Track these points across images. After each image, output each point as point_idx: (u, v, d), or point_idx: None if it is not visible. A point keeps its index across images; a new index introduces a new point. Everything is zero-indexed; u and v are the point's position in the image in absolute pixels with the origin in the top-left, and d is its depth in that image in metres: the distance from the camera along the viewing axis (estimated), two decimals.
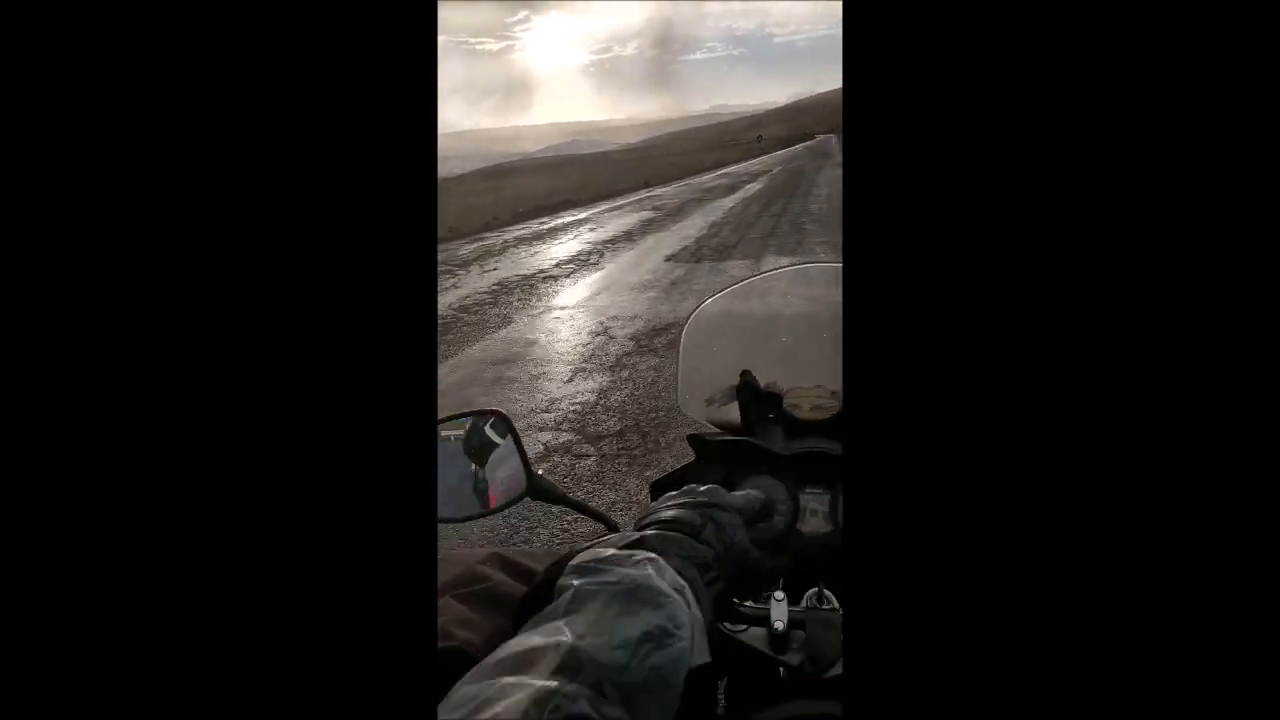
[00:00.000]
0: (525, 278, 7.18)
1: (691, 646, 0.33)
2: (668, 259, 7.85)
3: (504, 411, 0.67)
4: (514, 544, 2.30)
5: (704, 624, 0.36)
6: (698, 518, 0.43)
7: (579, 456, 2.87)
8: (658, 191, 19.38)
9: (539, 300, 6.11)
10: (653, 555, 0.37)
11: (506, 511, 1.03)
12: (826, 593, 0.58)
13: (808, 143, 55.05)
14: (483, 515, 0.64)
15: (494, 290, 6.64)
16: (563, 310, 5.71)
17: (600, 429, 3.17)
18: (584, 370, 4.05)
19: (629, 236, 10.07)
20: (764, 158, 37.71)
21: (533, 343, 4.77)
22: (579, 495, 0.91)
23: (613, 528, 0.65)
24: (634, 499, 2.51)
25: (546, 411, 3.46)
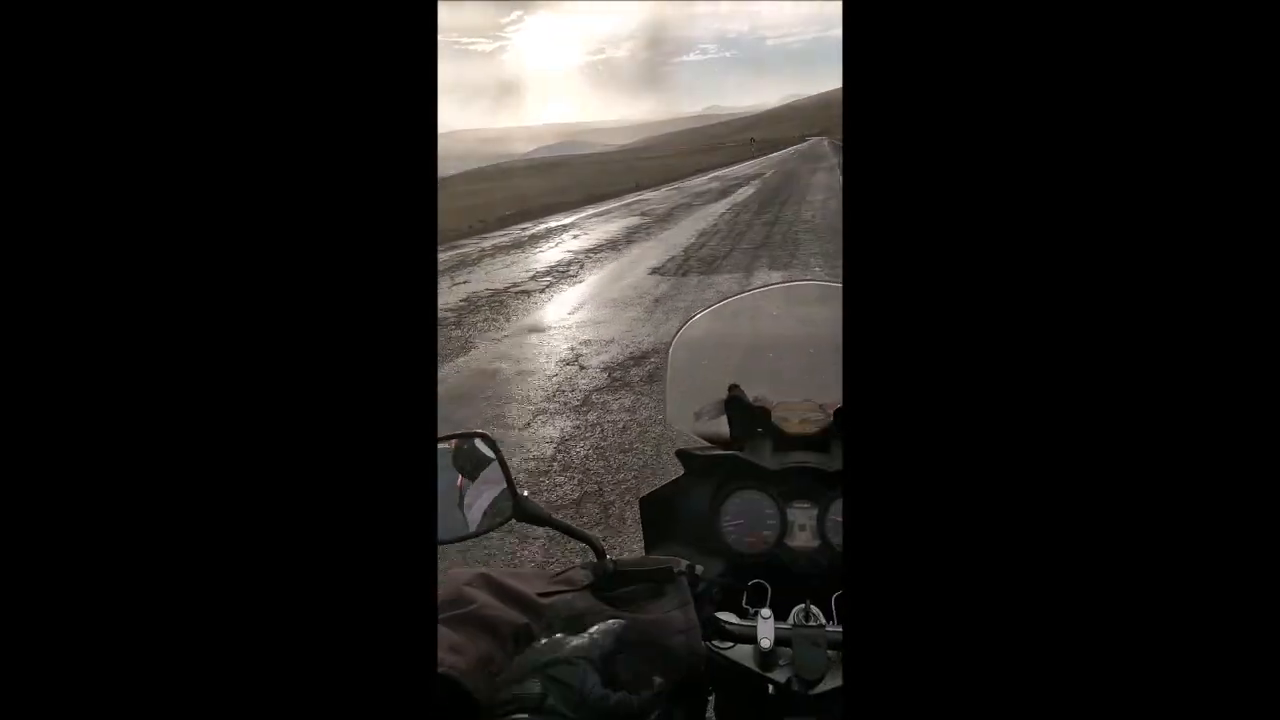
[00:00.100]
0: (496, 293, 6.61)
1: None
2: (652, 271, 7.30)
3: (488, 434, 0.65)
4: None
5: None
6: (536, 686, 0.42)
7: (524, 539, 2.31)
8: (647, 195, 18.86)
9: (507, 320, 5.54)
10: None
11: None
12: (813, 609, 0.59)
13: (799, 146, 54.93)
14: (468, 538, 0.62)
15: (459, 308, 6.07)
16: (531, 333, 5.15)
17: (554, 496, 2.61)
18: (545, 412, 3.49)
19: (613, 245, 9.51)
20: (756, 161, 37.39)
21: (492, 374, 4.21)
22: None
23: (599, 550, 0.62)
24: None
25: None
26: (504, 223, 13.64)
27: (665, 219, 12.50)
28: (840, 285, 0.43)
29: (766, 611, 0.56)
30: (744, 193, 17.07)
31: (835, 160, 27.19)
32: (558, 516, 0.66)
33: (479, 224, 13.32)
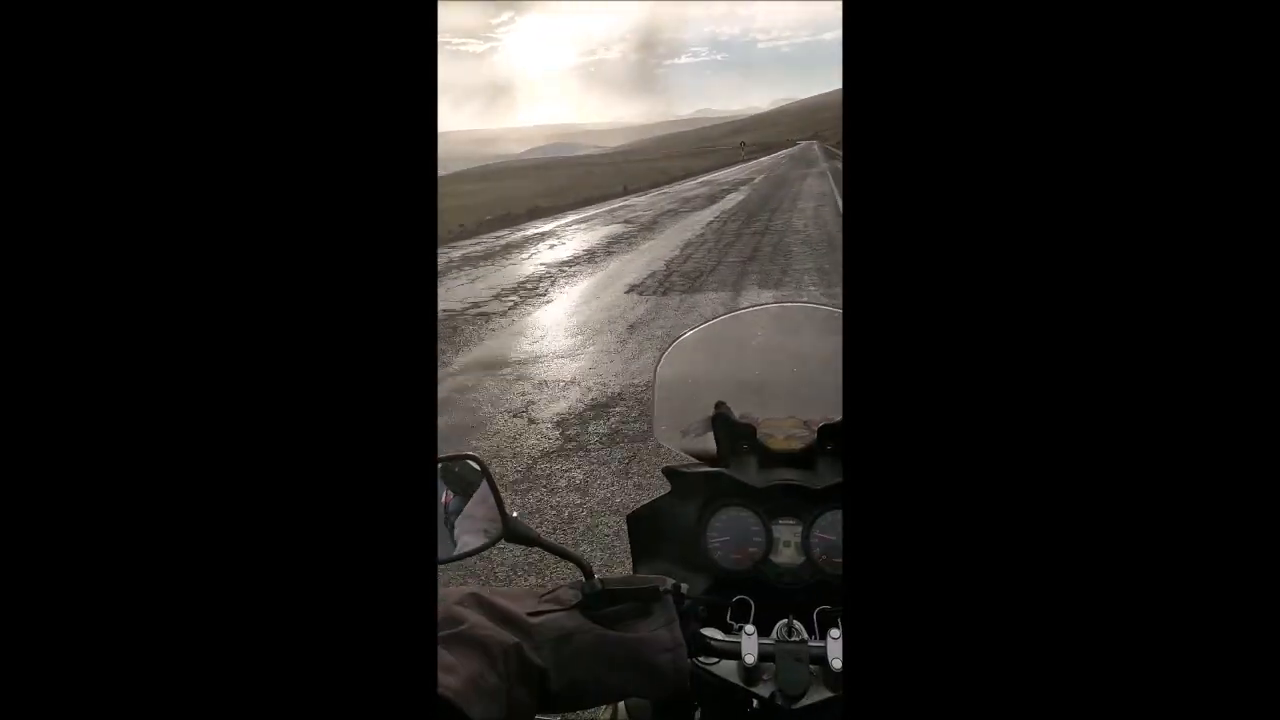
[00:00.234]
0: (451, 315, 5.87)
1: None
2: (630, 289, 6.59)
3: (478, 455, 0.64)
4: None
5: None
6: None
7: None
8: (633, 201, 18.16)
9: (456, 352, 4.81)
10: None
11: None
12: (796, 625, 0.60)
13: (790, 150, 54.63)
14: (459, 559, 0.62)
15: None
16: (481, 370, 4.41)
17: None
18: None
19: (591, 257, 8.80)
20: (747, 165, 36.89)
21: None
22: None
23: (587, 570, 0.60)
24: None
25: None
26: (485, 227, 12.90)
27: (649, 227, 11.80)
28: (837, 309, 0.48)
29: (750, 628, 0.58)
30: (733, 199, 16.41)
31: (826, 165, 26.66)
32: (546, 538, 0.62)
33: (458, 228, 12.59)
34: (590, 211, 15.76)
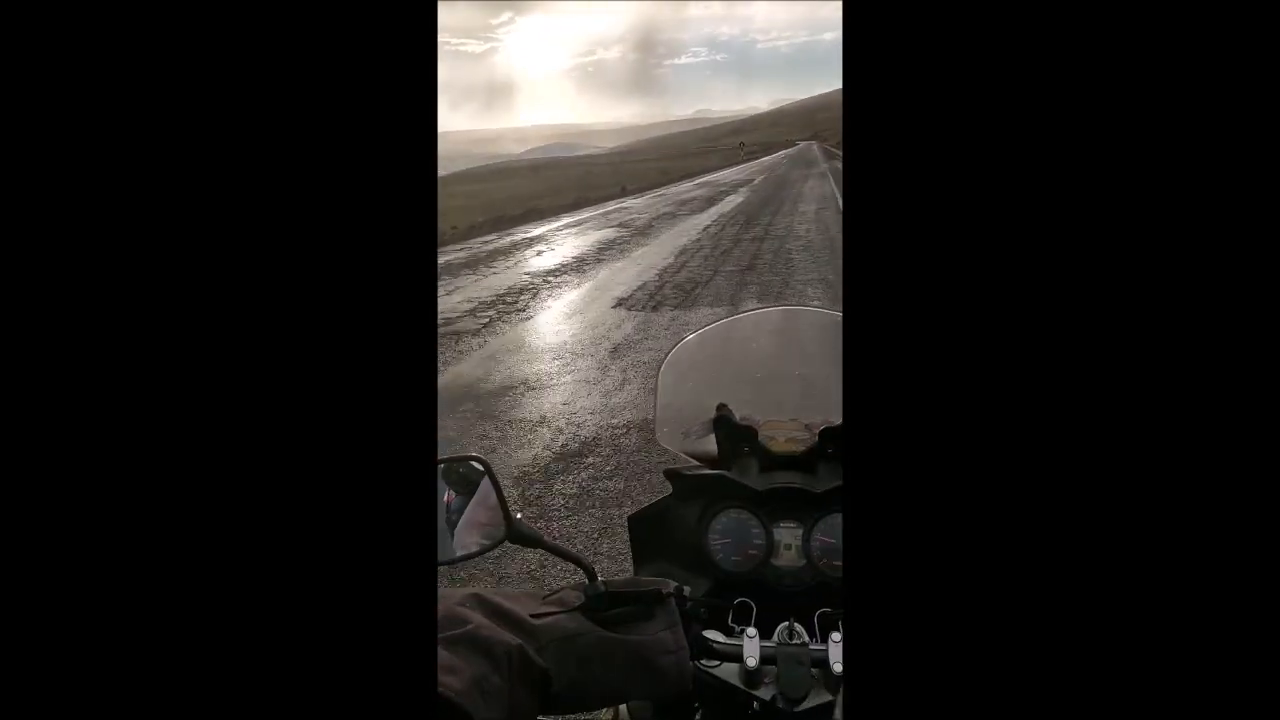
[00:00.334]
0: None
1: None
2: (618, 303, 6.05)
3: (482, 456, 0.63)
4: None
5: None
6: None
7: None
8: (629, 203, 17.63)
9: None
10: None
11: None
12: (798, 627, 0.59)
13: (789, 150, 54.26)
14: (463, 560, 0.61)
15: None
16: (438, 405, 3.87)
17: None
18: None
19: (579, 266, 8.26)
20: (746, 165, 36.43)
21: None
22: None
23: (589, 572, 0.60)
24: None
25: None
26: (476, 231, 12.36)
27: (644, 232, 11.26)
28: (839, 314, 0.47)
29: (752, 630, 0.57)
30: (732, 201, 15.88)
31: (826, 166, 26.17)
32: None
33: (450, 230, 12.06)
34: (584, 214, 15.21)
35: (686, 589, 0.57)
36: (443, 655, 0.44)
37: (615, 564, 2.13)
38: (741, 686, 0.55)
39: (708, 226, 11.29)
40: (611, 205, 17.14)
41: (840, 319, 0.65)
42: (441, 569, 0.58)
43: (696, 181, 25.17)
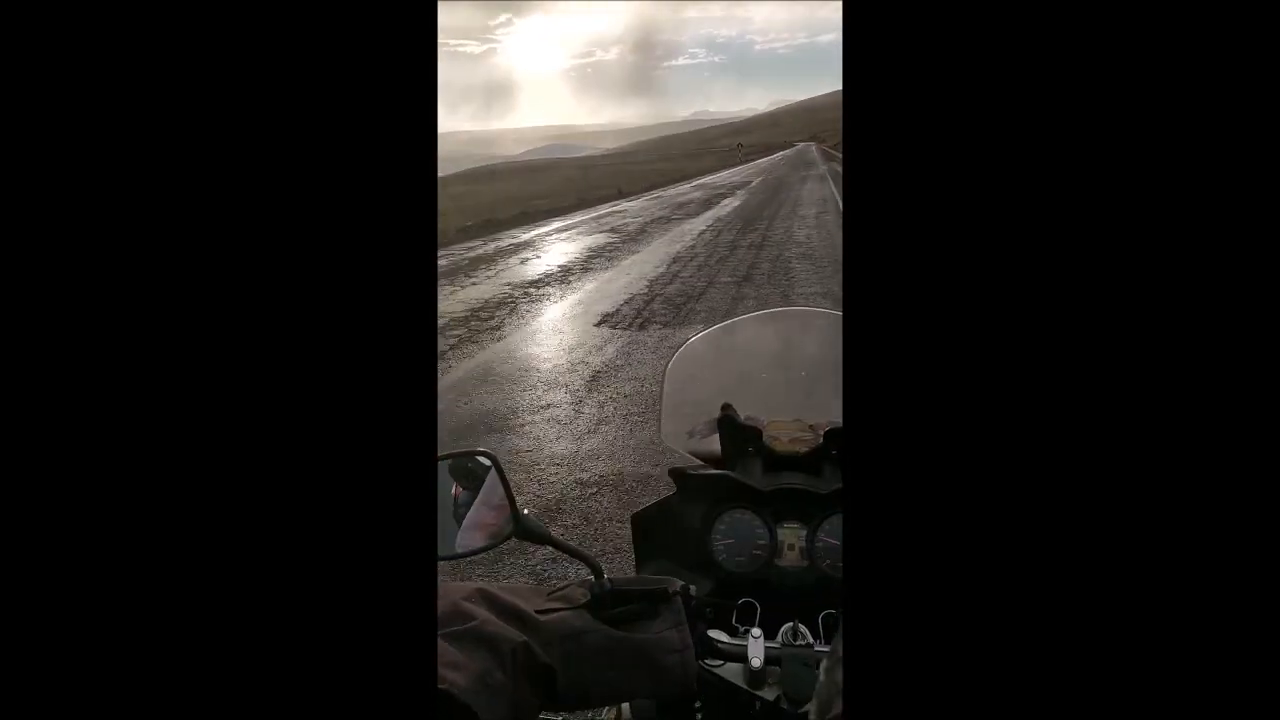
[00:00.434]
0: None
1: None
2: (602, 320, 5.52)
3: (490, 451, 0.61)
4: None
5: None
6: None
7: None
8: (623, 206, 17.08)
9: None
10: None
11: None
12: (802, 629, 0.59)
13: (787, 151, 53.98)
14: (469, 555, 0.60)
15: None
16: None
17: None
18: None
19: (564, 276, 7.72)
20: (744, 167, 36.00)
21: None
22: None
23: (596, 569, 0.58)
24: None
25: None
26: (462, 236, 11.81)
27: (636, 237, 10.73)
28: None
29: (757, 631, 0.57)
30: (729, 204, 15.36)
31: (825, 168, 25.70)
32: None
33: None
34: (576, 218, 14.66)
35: (692, 588, 0.57)
36: (447, 650, 0.44)
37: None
38: (745, 687, 0.55)
39: (702, 232, 10.75)
40: (605, 209, 16.56)
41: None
42: (448, 565, 0.60)
43: (693, 184, 24.65)
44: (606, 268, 8.08)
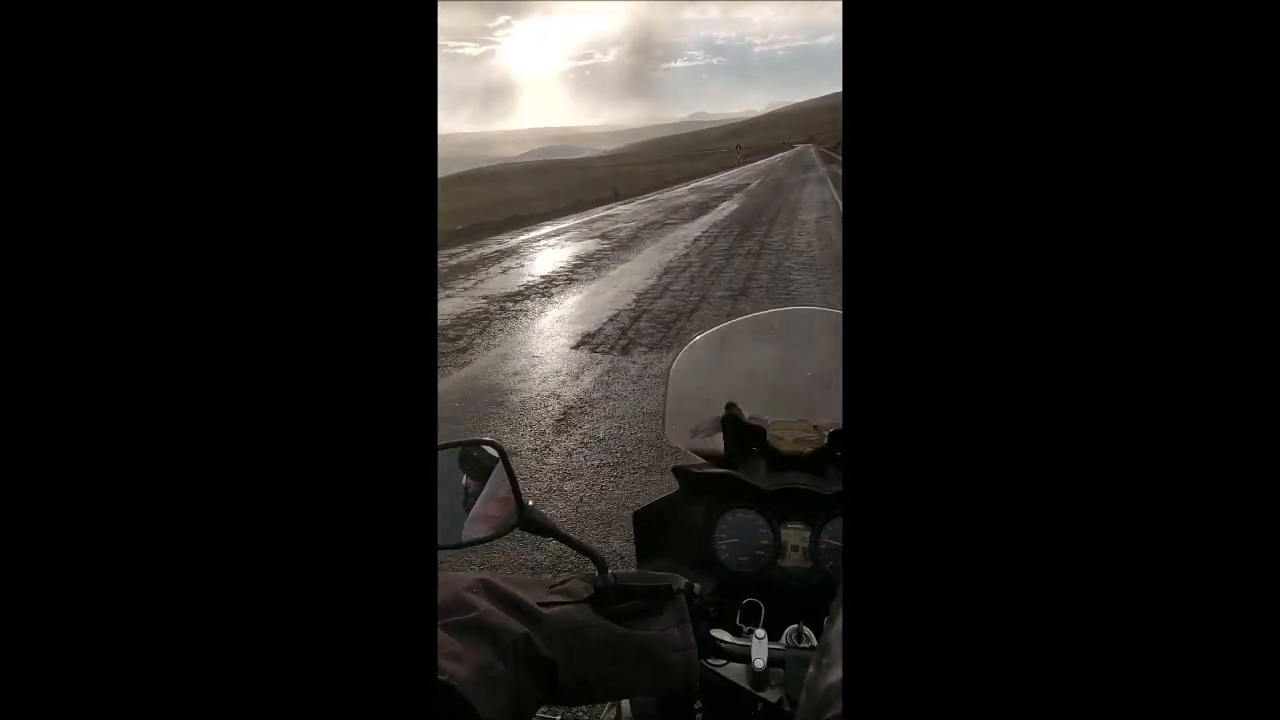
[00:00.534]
0: None
1: None
2: (581, 342, 4.96)
3: (496, 441, 0.62)
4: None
5: None
6: None
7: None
8: (616, 210, 16.52)
9: None
10: None
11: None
12: (806, 630, 0.59)
13: (785, 153, 53.58)
14: (473, 544, 0.61)
15: None
16: None
17: None
18: None
19: (545, 288, 7.16)
20: (742, 169, 35.52)
21: None
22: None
23: (600, 563, 0.59)
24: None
25: None
26: (449, 241, 11.24)
27: (627, 244, 10.17)
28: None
29: (761, 632, 0.57)
30: (726, 208, 14.82)
31: (825, 170, 25.19)
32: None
33: None
34: (568, 222, 14.11)
35: (697, 586, 0.57)
36: (447, 641, 0.44)
37: None
38: (747, 688, 0.55)
39: (697, 239, 10.20)
40: (598, 212, 16.01)
41: None
42: (450, 557, 0.63)
43: (689, 186, 24.11)
44: (592, 279, 7.52)
